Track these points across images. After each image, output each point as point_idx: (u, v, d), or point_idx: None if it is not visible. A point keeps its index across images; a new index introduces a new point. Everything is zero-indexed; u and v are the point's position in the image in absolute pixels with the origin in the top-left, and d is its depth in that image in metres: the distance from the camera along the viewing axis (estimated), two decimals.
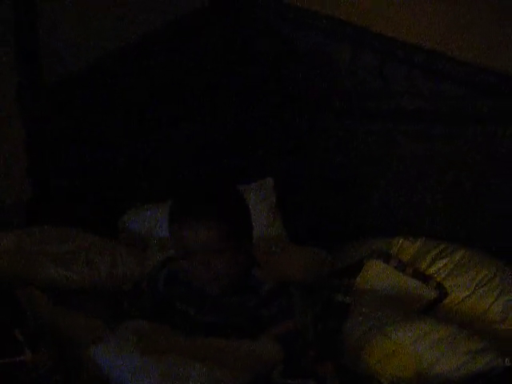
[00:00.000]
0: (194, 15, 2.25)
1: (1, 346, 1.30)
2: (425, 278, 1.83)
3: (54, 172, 2.54)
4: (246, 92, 2.25)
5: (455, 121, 2.06)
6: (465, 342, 1.49)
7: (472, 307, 1.78)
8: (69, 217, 2.42)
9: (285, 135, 2.25)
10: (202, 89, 2.31)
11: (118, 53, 2.36)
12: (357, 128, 2.17)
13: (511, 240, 2.01)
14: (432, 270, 1.89)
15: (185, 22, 2.27)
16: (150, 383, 1.27)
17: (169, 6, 2.28)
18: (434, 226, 2.14)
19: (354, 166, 2.20)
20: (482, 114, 2.02)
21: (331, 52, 2.14)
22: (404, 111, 2.09)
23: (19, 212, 2.52)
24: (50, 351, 1.31)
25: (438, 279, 1.85)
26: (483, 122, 2.03)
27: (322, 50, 2.15)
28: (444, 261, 1.90)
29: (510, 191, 2.04)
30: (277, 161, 2.28)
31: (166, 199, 2.22)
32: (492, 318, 1.75)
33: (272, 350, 1.44)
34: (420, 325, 1.55)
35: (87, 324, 1.55)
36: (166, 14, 2.28)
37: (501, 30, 2.02)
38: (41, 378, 1.26)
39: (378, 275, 1.84)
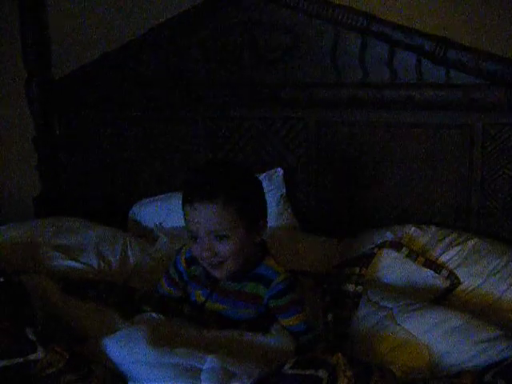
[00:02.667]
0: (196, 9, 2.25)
1: (13, 345, 1.30)
2: (437, 267, 1.82)
3: (63, 166, 2.55)
4: (252, 85, 2.24)
5: (465, 110, 2.04)
6: (477, 332, 1.47)
7: (484, 296, 1.76)
8: (79, 210, 2.44)
9: (294, 127, 2.24)
10: (208, 81, 2.30)
11: (124, 47, 2.36)
12: (366, 118, 2.16)
13: None
14: (444, 258, 1.87)
15: (189, 16, 2.26)
16: (161, 375, 1.28)
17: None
18: (443, 217, 2.13)
19: (363, 157, 2.19)
20: (493, 103, 2.01)
21: (339, 41, 2.13)
22: (413, 101, 2.07)
23: (29, 207, 2.54)
24: (63, 350, 1.30)
25: (451, 268, 1.84)
26: (494, 111, 2.01)
27: (330, 40, 2.14)
28: (456, 249, 1.89)
29: None
30: (286, 152, 2.27)
31: (175, 191, 2.26)
32: (504, 306, 1.73)
33: (284, 342, 1.45)
34: (432, 314, 1.53)
35: (99, 315, 1.55)
36: (170, 9, 2.28)
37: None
38: (53, 376, 1.26)
39: (389, 264, 1.83)
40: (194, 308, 1.58)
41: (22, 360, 1.27)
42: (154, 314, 1.52)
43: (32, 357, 1.27)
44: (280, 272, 1.53)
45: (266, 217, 1.56)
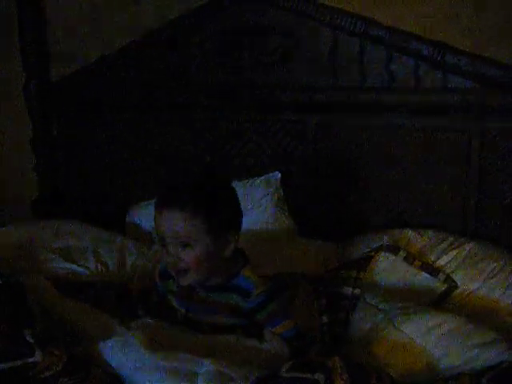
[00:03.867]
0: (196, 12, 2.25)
1: (12, 348, 1.30)
2: (434, 271, 1.83)
3: (61, 168, 2.55)
4: (251, 88, 2.25)
5: (463, 114, 2.05)
6: (475, 335, 1.48)
7: (481, 299, 1.77)
8: (76, 212, 2.43)
9: (291, 130, 2.24)
10: (207, 84, 2.31)
11: (123, 49, 2.37)
12: (364, 122, 2.16)
13: None
14: (441, 262, 1.88)
15: (189, 19, 2.27)
16: (158, 380, 1.28)
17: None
18: (441, 221, 2.13)
19: (361, 160, 2.20)
20: (491, 108, 2.02)
21: (338, 45, 2.14)
22: (411, 105, 2.08)
23: (27, 208, 2.54)
24: (61, 352, 1.30)
25: (448, 271, 1.84)
26: (492, 115, 2.02)
27: (328, 44, 2.14)
28: (453, 253, 1.90)
29: None
30: (284, 155, 2.27)
31: None
32: (501, 309, 1.74)
33: (278, 347, 1.44)
34: (430, 317, 1.54)
35: (96, 318, 1.55)
36: (170, 11, 2.29)
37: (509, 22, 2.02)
38: (51, 379, 1.26)
39: (386, 268, 1.83)
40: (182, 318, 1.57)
41: (20, 363, 1.27)
42: (150, 320, 1.52)
43: (30, 359, 1.27)
44: (257, 283, 1.50)
45: (239, 230, 1.53)
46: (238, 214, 1.54)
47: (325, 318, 1.63)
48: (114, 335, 1.40)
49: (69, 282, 1.77)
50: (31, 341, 1.31)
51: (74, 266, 1.96)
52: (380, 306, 1.62)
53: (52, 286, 1.64)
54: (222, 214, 1.47)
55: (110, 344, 1.36)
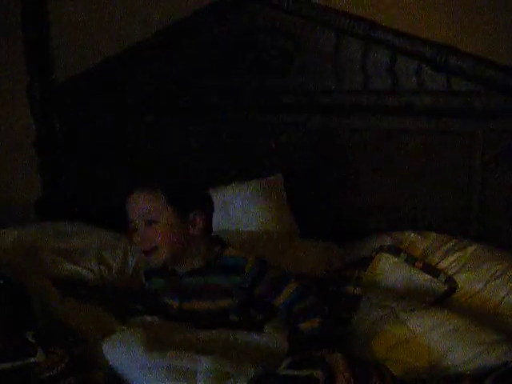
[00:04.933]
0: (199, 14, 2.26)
1: (13, 348, 1.31)
2: (435, 272, 1.82)
3: (64, 170, 2.56)
4: (254, 89, 2.25)
5: (466, 117, 2.05)
6: (478, 334, 1.48)
7: (484, 301, 1.77)
8: (80, 213, 2.44)
9: (295, 132, 2.25)
10: (210, 86, 2.31)
11: (127, 51, 2.37)
12: (366, 124, 2.17)
13: None
14: (444, 264, 1.88)
15: (192, 21, 2.27)
16: (157, 378, 1.29)
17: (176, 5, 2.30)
18: (443, 223, 2.13)
19: (364, 162, 2.20)
20: (494, 110, 2.02)
21: (341, 48, 2.14)
22: (414, 107, 2.08)
23: (30, 210, 2.54)
24: (63, 352, 1.31)
25: (450, 273, 1.84)
26: (494, 117, 2.02)
27: (331, 46, 2.15)
28: (456, 255, 1.90)
29: None
30: (287, 157, 2.27)
31: None
32: (504, 311, 1.74)
33: (277, 341, 1.45)
34: (434, 314, 1.54)
35: (98, 318, 1.56)
36: (174, 14, 2.29)
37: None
38: (53, 379, 1.27)
39: (387, 268, 1.83)
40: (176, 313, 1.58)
41: (22, 363, 1.28)
42: (148, 317, 1.54)
43: (32, 360, 1.29)
44: (247, 257, 1.54)
45: (204, 211, 1.58)
46: (204, 198, 1.62)
47: (325, 309, 1.61)
48: (113, 334, 1.41)
49: (71, 284, 1.77)
50: (33, 341, 1.32)
51: (77, 268, 1.96)
52: (381, 304, 1.62)
53: (53, 286, 1.64)
54: (184, 193, 1.57)
55: (109, 343, 1.37)
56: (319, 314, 1.50)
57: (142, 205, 1.53)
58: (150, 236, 1.52)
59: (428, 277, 1.80)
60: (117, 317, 1.58)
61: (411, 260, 1.84)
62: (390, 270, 1.83)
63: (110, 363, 1.35)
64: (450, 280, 1.81)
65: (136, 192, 1.55)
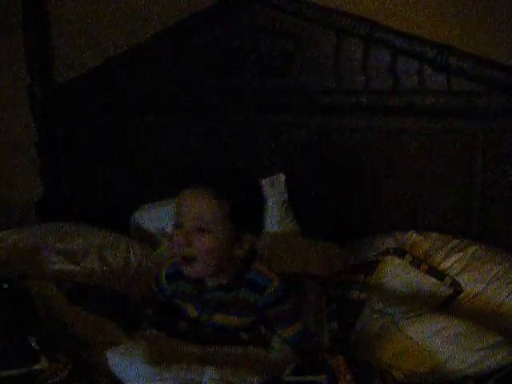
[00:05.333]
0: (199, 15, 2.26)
1: (17, 355, 1.30)
2: (440, 275, 1.82)
3: (65, 170, 2.56)
4: (255, 89, 2.25)
5: (467, 117, 2.05)
6: (480, 338, 1.48)
7: (486, 302, 1.77)
8: (81, 214, 2.44)
9: (295, 132, 2.25)
10: (210, 87, 2.31)
11: (127, 52, 2.37)
12: (367, 124, 2.16)
13: None
14: (446, 265, 1.88)
15: (193, 21, 2.27)
16: None
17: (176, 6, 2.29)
18: (444, 223, 2.13)
19: (365, 163, 2.20)
20: (495, 110, 2.02)
21: (342, 48, 2.14)
22: (415, 107, 2.08)
23: (31, 211, 2.54)
24: (67, 359, 1.30)
25: (452, 274, 1.84)
26: (495, 117, 2.02)
27: (332, 46, 2.15)
28: (458, 256, 1.90)
29: None
30: (288, 157, 2.27)
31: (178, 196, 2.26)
32: (506, 312, 1.73)
33: (286, 357, 1.43)
34: (435, 320, 1.54)
35: (102, 327, 1.53)
36: (174, 15, 2.29)
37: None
38: None
39: (393, 272, 1.81)
40: (190, 322, 1.55)
41: (25, 370, 1.27)
42: (153, 331, 1.50)
43: (36, 366, 1.28)
44: (273, 279, 1.49)
45: (256, 236, 1.51)
46: (261, 222, 1.53)
47: (334, 325, 1.62)
48: (119, 345, 1.38)
49: (73, 286, 1.77)
50: (36, 347, 1.31)
51: (79, 268, 1.96)
52: (385, 310, 1.62)
53: (59, 291, 1.63)
54: (246, 212, 1.45)
55: (114, 353, 1.34)
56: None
57: (202, 209, 1.41)
58: (197, 244, 1.42)
59: (433, 280, 1.79)
60: (123, 328, 1.54)
61: (416, 262, 1.83)
62: (395, 273, 1.81)
63: (114, 373, 1.33)
64: (455, 283, 1.80)
65: (198, 191, 1.41)
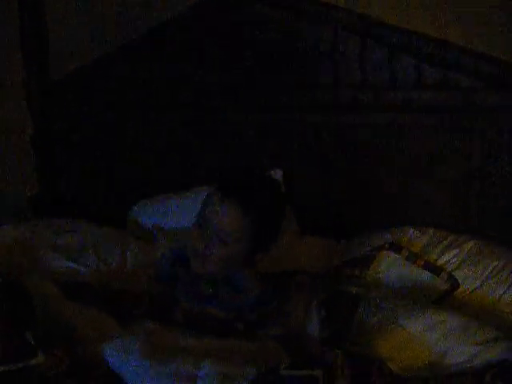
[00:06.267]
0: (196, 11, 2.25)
1: (14, 350, 1.31)
2: (436, 270, 1.82)
3: (61, 166, 2.55)
4: (251, 88, 2.25)
5: (464, 112, 2.05)
6: (477, 333, 1.49)
7: (482, 298, 1.77)
8: (77, 210, 2.43)
9: (294, 130, 2.24)
10: (207, 84, 2.30)
11: (123, 48, 2.36)
12: (365, 121, 2.16)
13: None
14: (442, 260, 1.88)
15: (185, 18, 2.27)
16: (158, 383, 1.28)
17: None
18: (442, 219, 2.12)
19: (362, 159, 2.20)
20: (492, 106, 2.02)
21: (339, 44, 2.14)
22: (412, 103, 2.08)
23: (27, 207, 2.53)
24: (63, 353, 1.31)
25: (449, 270, 1.84)
26: (493, 113, 2.02)
27: (329, 42, 2.14)
28: (454, 251, 1.90)
29: None
30: (286, 154, 2.27)
31: (174, 192, 2.26)
32: (503, 308, 1.74)
33: (275, 346, 1.44)
34: (432, 314, 1.54)
35: (99, 320, 1.55)
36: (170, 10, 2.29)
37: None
38: (54, 381, 1.27)
39: (389, 266, 1.83)
40: (187, 310, 1.57)
41: (22, 365, 1.28)
42: (149, 323, 1.50)
43: (33, 362, 1.29)
44: (255, 287, 1.52)
45: (267, 252, 1.55)
46: (275, 239, 1.56)
47: (322, 312, 1.60)
48: (115, 338, 1.40)
49: (69, 282, 1.77)
50: (33, 342, 1.31)
51: (75, 265, 1.96)
52: (383, 304, 1.62)
53: (55, 287, 1.63)
54: (266, 235, 1.50)
55: (111, 347, 1.36)
56: None
57: (229, 225, 1.45)
58: (213, 250, 1.47)
59: (430, 275, 1.80)
60: (119, 322, 1.55)
61: (412, 258, 1.84)
62: (392, 268, 1.83)
63: (111, 367, 1.34)
64: (451, 278, 1.80)
65: (230, 202, 1.45)
